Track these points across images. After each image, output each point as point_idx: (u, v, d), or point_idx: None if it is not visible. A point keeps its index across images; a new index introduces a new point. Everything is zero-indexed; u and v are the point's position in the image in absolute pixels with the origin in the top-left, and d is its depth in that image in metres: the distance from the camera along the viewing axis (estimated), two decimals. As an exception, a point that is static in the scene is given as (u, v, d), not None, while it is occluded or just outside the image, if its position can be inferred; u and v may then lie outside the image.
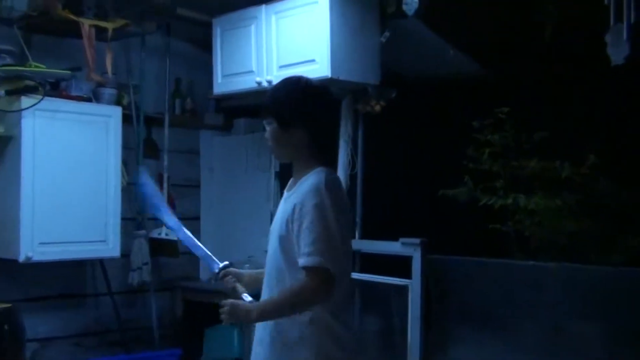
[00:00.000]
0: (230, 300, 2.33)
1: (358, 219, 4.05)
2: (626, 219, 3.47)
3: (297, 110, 2.28)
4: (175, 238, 4.71)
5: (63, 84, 4.16)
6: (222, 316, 2.31)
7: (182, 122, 4.94)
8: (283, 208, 2.34)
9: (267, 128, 2.34)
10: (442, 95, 3.88)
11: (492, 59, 3.77)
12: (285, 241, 2.26)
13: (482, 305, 3.73)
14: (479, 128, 3.67)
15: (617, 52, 2.89)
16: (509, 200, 3.58)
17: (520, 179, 3.62)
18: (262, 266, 4.34)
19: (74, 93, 4.18)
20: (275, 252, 2.31)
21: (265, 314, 2.27)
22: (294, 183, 2.36)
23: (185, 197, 5.03)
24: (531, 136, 3.58)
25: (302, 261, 2.16)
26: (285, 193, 2.39)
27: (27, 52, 4.01)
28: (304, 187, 2.25)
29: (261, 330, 2.35)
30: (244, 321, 2.30)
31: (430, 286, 3.74)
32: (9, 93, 3.91)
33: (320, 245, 2.14)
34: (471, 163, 3.72)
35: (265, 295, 2.37)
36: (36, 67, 3.97)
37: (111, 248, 4.29)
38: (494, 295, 3.69)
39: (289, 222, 2.24)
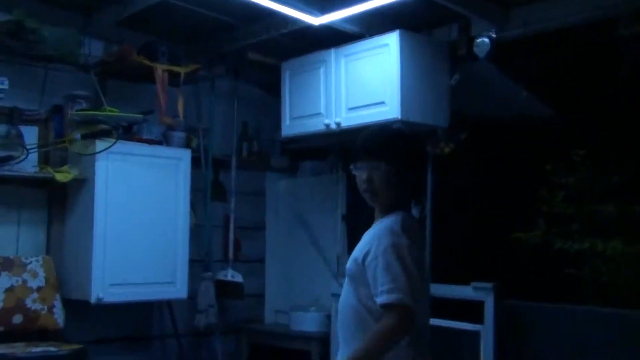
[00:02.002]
0: None
1: (427, 262, 3.98)
2: None
3: (411, 159, 2.35)
4: (241, 280, 4.74)
5: (135, 128, 4.27)
6: None
7: (249, 164, 4.99)
8: (359, 247, 2.33)
9: (372, 170, 2.32)
10: (513, 137, 3.83)
11: (565, 100, 3.70)
12: (355, 281, 2.27)
13: (558, 354, 3.61)
14: (552, 170, 3.60)
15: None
16: (586, 245, 3.49)
17: (596, 223, 3.52)
18: (328, 309, 4.39)
19: (145, 136, 4.28)
20: (348, 291, 2.31)
21: None
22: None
23: (251, 239, 5.06)
24: (608, 179, 3.49)
25: (381, 299, 2.14)
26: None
27: (102, 97, 4.12)
28: (380, 228, 2.26)
29: None
30: None
31: (503, 332, 3.64)
32: (84, 137, 4.01)
33: (398, 283, 2.13)
34: (544, 206, 3.64)
35: (341, 337, 2.33)
36: (110, 111, 4.07)
37: (179, 290, 4.32)
38: (569, 343, 3.57)
39: (362, 260, 2.24)
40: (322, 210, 4.72)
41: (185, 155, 4.38)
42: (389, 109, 3.75)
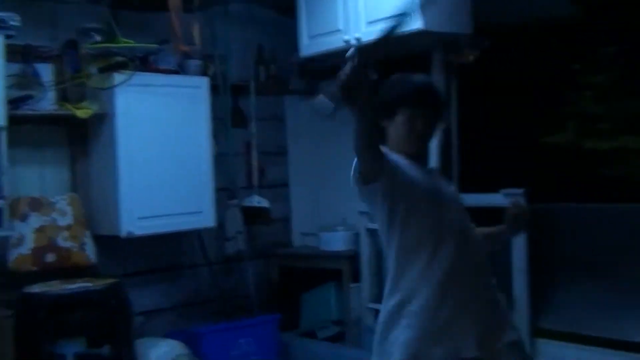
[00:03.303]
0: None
1: (455, 172, 3.99)
2: None
3: None
4: (267, 205, 4.76)
5: (151, 58, 4.20)
6: None
7: (267, 89, 4.93)
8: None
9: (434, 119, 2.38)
10: (538, 40, 3.75)
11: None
12: None
13: (589, 253, 3.65)
14: (580, 70, 3.55)
15: None
16: (617, 143, 3.46)
17: (627, 120, 3.49)
18: (356, 228, 4.43)
19: (162, 66, 4.23)
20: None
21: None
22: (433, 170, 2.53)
23: (274, 164, 5.06)
24: (638, 74, 3.43)
25: None
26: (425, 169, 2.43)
27: (115, 29, 4.03)
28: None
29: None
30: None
31: (535, 237, 3.66)
32: (101, 71, 3.97)
33: None
34: (573, 107, 3.61)
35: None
36: (125, 43, 4.00)
37: (207, 218, 4.35)
38: (601, 241, 3.61)
39: None
40: (344, 131, 4.67)
41: (204, 83, 4.33)
42: (411, 20, 3.66)
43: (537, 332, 3.70)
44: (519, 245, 3.69)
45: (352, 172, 2.23)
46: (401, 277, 2.27)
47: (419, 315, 2.22)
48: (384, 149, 2.22)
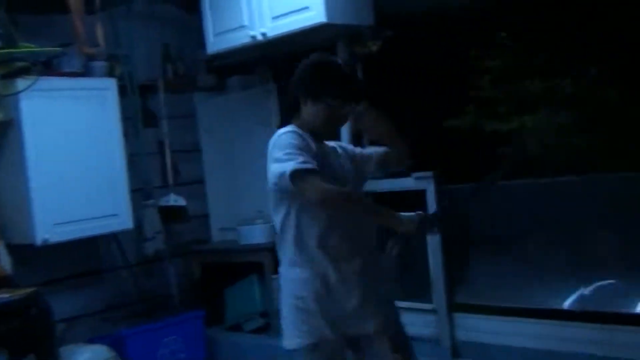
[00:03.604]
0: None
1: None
2: (631, 128, 3.55)
3: None
4: (184, 203, 4.76)
5: (55, 62, 4.12)
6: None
7: (176, 87, 4.92)
8: (343, 160, 2.62)
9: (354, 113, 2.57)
10: (439, 28, 3.89)
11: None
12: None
13: (499, 228, 3.82)
14: (477, 55, 3.71)
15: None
16: (515, 123, 3.65)
17: (524, 101, 3.67)
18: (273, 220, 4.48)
19: (66, 69, 4.15)
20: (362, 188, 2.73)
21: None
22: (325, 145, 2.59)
23: (188, 161, 5.06)
24: (531, 58, 3.62)
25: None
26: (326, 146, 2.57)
27: (14, 34, 3.93)
28: (336, 143, 2.69)
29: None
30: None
31: (445, 216, 3.80)
32: (3, 77, 3.87)
33: None
34: (473, 91, 3.76)
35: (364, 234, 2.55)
36: (26, 47, 3.91)
37: (124, 221, 4.32)
38: (510, 217, 3.78)
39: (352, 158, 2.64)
40: (256, 124, 4.73)
41: (111, 84, 4.28)
42: (315, 14, 3.74)
43: (454, 306, 3.84)
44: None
45: (272, 181, 2.39)
46: (301, 252, 2.47)
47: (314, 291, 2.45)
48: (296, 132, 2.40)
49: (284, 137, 2.39)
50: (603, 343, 3.30)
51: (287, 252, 2.53)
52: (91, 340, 4.16)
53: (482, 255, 3.90)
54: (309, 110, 2.48)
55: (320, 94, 2.45)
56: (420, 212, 2.51)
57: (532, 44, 3.63)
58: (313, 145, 2.43)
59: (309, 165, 2.31)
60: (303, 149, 2.35)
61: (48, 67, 4.07)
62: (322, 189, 2.32)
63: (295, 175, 2.30)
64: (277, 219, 2.51)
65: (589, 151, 3.56)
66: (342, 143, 2.77)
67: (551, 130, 3.60)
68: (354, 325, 2.50)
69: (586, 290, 3.48)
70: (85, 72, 4.24)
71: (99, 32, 4.10)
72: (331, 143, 2.65)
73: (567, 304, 3.53)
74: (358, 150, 2.75)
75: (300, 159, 2.31)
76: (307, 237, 2.45)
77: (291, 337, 2.52)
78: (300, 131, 2.44)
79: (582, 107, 3.53)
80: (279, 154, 2.36)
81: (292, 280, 2.53)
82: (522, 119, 3.64)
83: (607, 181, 3.46)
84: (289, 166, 2.30)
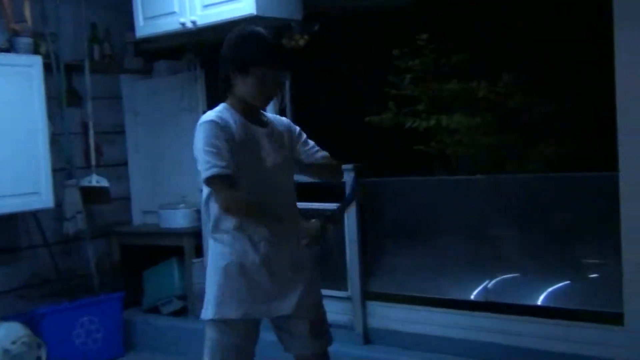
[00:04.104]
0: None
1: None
2: (539, 131, 3.78)
3: None
4: (106, 185, 4.76)
5: (-22, 37, 4.07)
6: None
7: (102, 68, 4.89)
8: (278, 142, 2.61)
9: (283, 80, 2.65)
10: (364, 26, 4.03)
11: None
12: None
13: (413, 222, 3.97)
14: (399, 55, 3.87)
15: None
16: (432, 122, 3.83)
17: (441, 101, 3.86)
18: (197, 205, 4.53)
19: (-11, 45, 4.10)
20: (290, 174, 2.67)
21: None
22: (258, 120, 2.60)
23: (112, 143, 5.05)
24: (449, 59, 3.81)
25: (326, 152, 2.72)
26: (259, 129, 2.58)
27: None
28: (281, 120, 2.71)
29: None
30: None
31: (364, 208, 3.96)
32: None
33: None
34: (394, 89, 3.93)
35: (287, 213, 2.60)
36: (-51, 20, 3.86)
37: (45, 199, 4.30)
38: (423, 211, 3.93)
39: (290, 144, 2.65)
40: (182, 109, 4.77)
41: (36, 61, 4.25)
42: (245, 5, 3.80)
43: (368, 295, 3.97)
44: (351, 217, 3.92)
45: (203, 174, 2.42)
46: (222, 230, 2.53)
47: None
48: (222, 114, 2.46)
49: (204, 128, 2.43)
50: (504, 332, 3.50)
51: (211, 225, 2.56)
52: (5, 318, 4.13)
53: (396, 247, 4.05)
54: (239, 85, 2.50)
55: (248, 65, 2.47)
56: (320, 216, 2.58)
57: (451, 47, 3.81)
58: (239, 130, 2.47)
59: (221, 172, 2.38)
60: (221, 146, 2.39)
61: (-30, 41, 4.02)
62: (228, 198, 2.41)
63: (209, 181, 2.40)
64: (203, 193, 2.56)
65: (498, 151, 3.78)
66: (291, 124, 2.76)
67: (465, 130, 3.80)
68: (274, 305, 2.55)
69: (491, 283, 3.66)
70: (10, 48, 4.20)
71: (26, 9, 4.05)
72: (276, 121, 2.68)
73: (473, 295, 3.72)
74: (304, 138, 2.74)
75: (216, 162, 2.37)
76: (225, 219, 2.52)
77: (213, 307, 2.53)
78: (226, 114, 2.48)
79: (494, 110, 3.73)
80: (199, 145, 2.41)
81: (218, 254, 2.55)
82: (438, 118, 3.82)
83: (514, 181, 3.67)
84: (205, 172, 2.39)
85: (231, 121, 2.47)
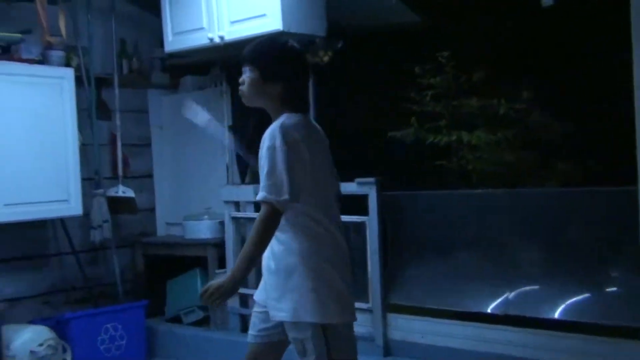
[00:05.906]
0: (209, 286, 2.42)
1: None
2: (557, 147, 3.84)
3: (278, 67, 2.51)
4: (132, 195, 4.86)
5: (13, 48, 4.20)
6: (214, 301, 2.40)
7: (130, 82, 5.02)
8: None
9: (245, 75, 2.53)
10: (386, 43, 4.11)
11: (430, 6, 4.01)
12: None
13: (434, 235, 3.99)
14: (420, 72, 3.96)
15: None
16: (453, 138, 3.91)
17: (461, 117, 3.93)
18: (221, 216, 4.61)
19: (24, 56, 4.24)
20: None
21: (240, 269, 2.40)
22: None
23: (139, 155, 5.16)
24: (470, 77, 3.88)
25: (257, 197, 2.44)
26: None
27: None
28: (265, 132, 2.46)
29: (266, 260, 2.55)
30: (231, 288, 2.39)
31: (386, 221, 4.01)
32: (-38, 59, 3.94)
33: (266, 181, 2.39)
34: (416, 106, 4.01)
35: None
36: (-12, 32, 3.99)
37: (73, 207, 4.41)
38: (444, 224, 3.96)
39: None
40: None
41: (68, 73, 4.39)
42: (271, 21, 3.91)
43: (388, 307, 4.00)
44: (373, 229, 3.97)
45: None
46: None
47: None
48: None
49: (282, 138, 2.38)
50: (524, 345, 3.51)
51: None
52: (33, 322, 4.23)
53: (417, 259, 4.08)
54: (273, 93, 2.49)
55: (278, 78, 2.48)
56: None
57: (472, 65, 3.90)
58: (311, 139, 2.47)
59: (278, 202, 2.35)
60: (294, 166, 2.37)
61: (6, 52, 4.16)
62: (265, 224, 2.37)
63: (263, 203, 2.38)
64: None
65: (518, 168, 3.84)
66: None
67: (486, 146, 3.87)
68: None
69: (511, 295, 3.68)
70: (43, 60, 4.34)
71: (61, 22, 4.19)
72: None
73: (492, 307, 3.73)
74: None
75: (278, 190, 2.35)
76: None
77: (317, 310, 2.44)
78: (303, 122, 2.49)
79: (514, 126, 3.80)
80: (269, 157, 2.37)
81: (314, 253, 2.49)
82: (460, 133, 3.90)
83: (533, 195, 3.72)
84: (262, 195, 2.37)
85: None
